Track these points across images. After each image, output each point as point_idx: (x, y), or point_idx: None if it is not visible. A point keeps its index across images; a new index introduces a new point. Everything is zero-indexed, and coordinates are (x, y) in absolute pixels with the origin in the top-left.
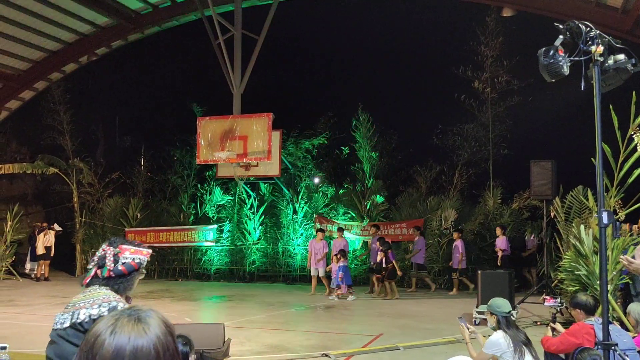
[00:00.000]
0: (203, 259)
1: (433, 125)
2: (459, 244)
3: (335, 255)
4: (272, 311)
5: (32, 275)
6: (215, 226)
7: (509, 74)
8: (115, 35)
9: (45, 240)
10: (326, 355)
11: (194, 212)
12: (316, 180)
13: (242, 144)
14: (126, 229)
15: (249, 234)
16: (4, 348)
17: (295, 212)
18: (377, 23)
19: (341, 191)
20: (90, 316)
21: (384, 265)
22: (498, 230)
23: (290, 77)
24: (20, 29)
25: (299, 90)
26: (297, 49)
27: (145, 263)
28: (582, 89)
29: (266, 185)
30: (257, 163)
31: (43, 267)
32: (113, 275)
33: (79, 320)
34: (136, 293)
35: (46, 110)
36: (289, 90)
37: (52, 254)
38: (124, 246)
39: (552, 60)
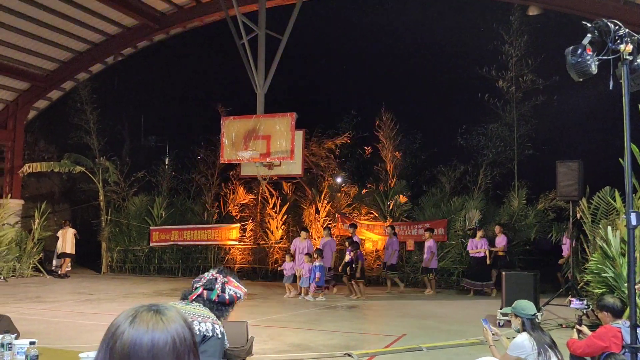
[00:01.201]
0: (226, 258)
1: (457, 125)
2: (431, 244)
3: (307, 254)
4: (295, 310)
5: (58, 272)
6: (238, 225)
7: (534, 72)
8: (140, 35)
9: (66, 238)
10: (349, 355)
11: (217, 210)
12: (339, 179)
13: (265, 144)
14: (151, 227)
15: (272, 233)
16: (33, 343)
17: (317, 211)
18: (401, 23)
19: (364, 191)
20: (200, 330)
21: (354, 265)
22: (497, 229)
23: (313, 76)
24: (48, 30)
25: (322, 90)
26: (320, 48)
27: (242, 299)
28: (611, 88)
29: (289, 184)
30: (280, 162)
31: (66, 263)
32: (217, 300)
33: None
34: (161, 290)
35: (73, 110)
36: (312, 89)
37: (70, 251)
38: (231, 278)
39: (580, 59)
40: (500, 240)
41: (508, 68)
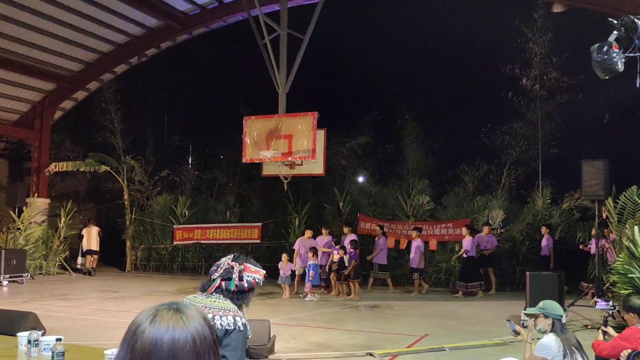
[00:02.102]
0: (249, 256)
1: (480, 123)
2: (419, 243)
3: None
4: (316, 309)
5: (83, 270)
6: (260, 224)
7: (559, 70)
8: (164, 36)
9: (91, 236)
10: (371, 355)
11: (239, 209)
12: (360, 179)
13: (287, 143)
14: (175, 226)
15: (294, 232)
16: (59, 340)
17: (339, 210)
18: (424, 21)
19: (386, 190)
20: (221, 325)
21: (345, 265)
22: (486, 229)
23: (335, 75)
24: (74, 31)
25: (344, 89)
26: (342, 46)
27: (261, 283)
28: (638, 85)
29: (310, 183)
30: (302, 162)
31: (91, 261)
32: (236, 290)
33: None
34: (184, 288)
35: (98, 110)
36: (334, 88)
37: (95, 248)
38: (247, 264)
39: (606, 56)
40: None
41: (532, 66)
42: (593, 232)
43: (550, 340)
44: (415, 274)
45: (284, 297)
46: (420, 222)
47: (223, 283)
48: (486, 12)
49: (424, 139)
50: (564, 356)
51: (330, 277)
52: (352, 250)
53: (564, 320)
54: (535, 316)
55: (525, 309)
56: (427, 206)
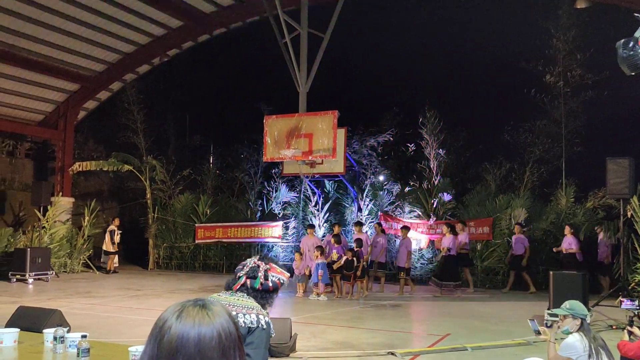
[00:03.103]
0: (269, 255)
1: (503, 121)
2: (407, 242)
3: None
4: (337, 308)
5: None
6: (281, 223)
7: (583, 67)
8: (185, 36)
9: (111, 237)
10: (392, 354)
11: (260, 208)
12: (381, 177)
13: (307, 142)
14: (196, 225)
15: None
16: (85, 336)
17: (360, 209)
18: (445, 17)
19: (407, 189)
20: (244, 323)
21: (355, 265)
22: (459, 226)
23: (356, 73)
24: (97, 32)
25: (365, 87)
26: (363, 44)
27: (286, 284)
28: None
29: (331, 182)
30: (322, 161)
31: (113, 260)
32: (261, 289)
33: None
34: (206, 286)
35: (121, 110)
36: (354, 87)
37: (112, 249)
38: (273, 265)
39: (632, 52)
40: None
41: (556, 63)
42: (599, 233)
43: (576, 340)
44: (402, 273)
45: (297, 296)
46: (442, 221)
47: (248, 281)
48: (509, 8)
49: (445, 137)
50: (590, 356)
51: (338, 279)
52: (357, 249)
53: (588, 320)
54: (562, 317)
55: (548, 309)
56: (449, 205)
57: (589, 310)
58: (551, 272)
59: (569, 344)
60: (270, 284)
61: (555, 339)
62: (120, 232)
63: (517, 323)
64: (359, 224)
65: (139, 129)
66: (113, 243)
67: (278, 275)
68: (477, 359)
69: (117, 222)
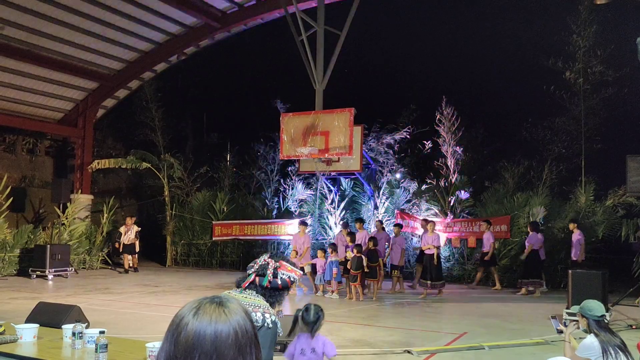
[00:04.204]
0: (285, 252)
1: (521, 118)
2: (401, 240)
3: (322, 249)
4: (354, 306)
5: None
6: (297, 220)
7: (603, 64)
8: (202, 34)
9: (126, 237)
10: (409, 352)
11: (276, 206)
12: (398, 175)
13: (323, 140)
14: (213, 222)
15: (330, 228)
16: (103, 332)
17: (376, 207)
18: (462, 14)
19: (424, 187)
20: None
21: (363, 264)
22: (429, 226)
23: (372, 70)
24: (115, 31)
25: (381, 84)
26: (379, 41)
27: (296, 282)
28: None
29: (347, 180)
30: (339, 158)
31: (130, 259)
32: (269, 286)
33: None
34: (223, 283)
35: (139, 108)
36: (370, 84)
37: (136, 249)
38: (283, 262)
39: None
40: (578, 238)
41: (576, 59)
42: (574, 230)
43: (593, 340)
44: (395, 271)
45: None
46: (459, 219)
47: (257, 279)
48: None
49: (463, 134)
50: (602, 355)
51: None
52: (373, 247)
53: (607, 319)
54: (579, 315)
55: (567, 308)
56: (466, 203)
57: (607, 309)
58: (570, 271)
59: (586, 345)
60: (280, 282)
61: (569, 340)
62: (139, 229)
63: (536, 322)
64: (380, 222)
65: (157, 126)
66: (118, 242)
67: (288, 273)
68: (495, 358)
69: (128, 221)
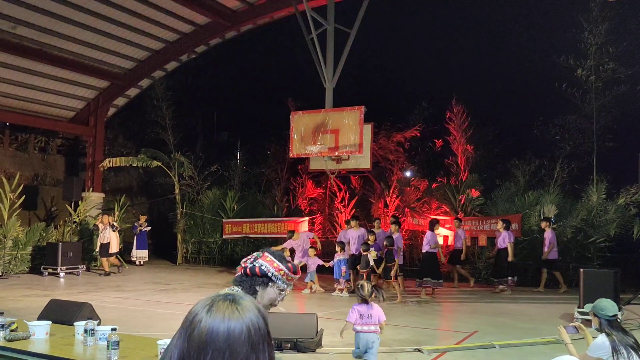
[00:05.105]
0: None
1: (532, 116)
2: (398, 238)
3: (312, 247)
4: None
5: (137, 264)
6: (307, 218)
7: (616, 61)
8: (213, 33)
9: (102, 236)
10: (419, 350)
11: (286, 204)
12: (408, 173)
13: (333, 138)
14: (224, 220)
15: (340, 226)
16: (115, 329)
17: (386, 205)
18: (473, 11)
19: (434, 185)
20: None
21: (371, 264)
22: (544, 224)
23: (383, 68)
24: (126, 30)
25: (391, 82)
26: (389, 39)
27: (273, 276)
28: None
29: (357, 178)
30: (349, 156)
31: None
32: (243, 273)
33: None
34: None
35: (150, 106)
36: (381, 82)
37: (112, 250)
38: (266, 254)
39: None
40: (549, 236)
41: (587, 57)
42: (545, 228)
43: (604, 340)
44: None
45: (310, 293)
46: (469, 217)
47: (241, 271)
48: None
49: (473, 133)
50: (612, 354)
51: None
52: (389, 247)
53: (620, 319)
54: (592, 314)
55: (579, 307)
56: (477, 201)
57: (620, 308)
58: (581, 270)
59: (597, 345)
60: (249, 268)
61: (571, 341)
62: (150, 227)
63: (547, 321)
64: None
65: (167, 125)
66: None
67: (266, 263)
68: (505, 357)
69: (105, 219)
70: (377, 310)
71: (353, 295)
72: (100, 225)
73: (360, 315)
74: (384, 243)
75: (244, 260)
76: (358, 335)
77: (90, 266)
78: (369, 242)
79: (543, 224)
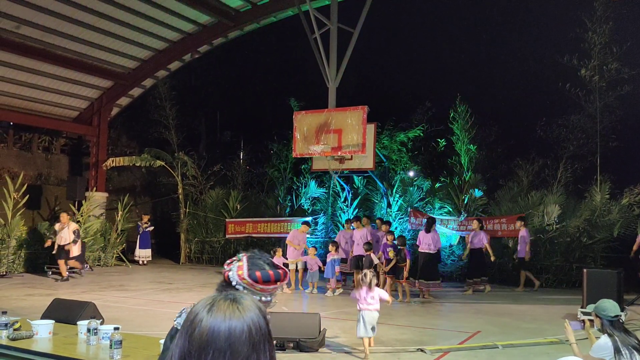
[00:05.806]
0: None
1: (536, 116)
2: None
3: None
4: None
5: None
6: (310, 218)
7: (619, 61)
8: (216, 33)
9: (60, 237)
10: (422, 350)
11: (289, 204)
12: (411, 173)
13: (336, 138)
14: (227, 220)
15: (343, 226)
16: (117, 329)
17: (389, 205)
18: (477, 11)
19: (437, 185)
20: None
21: (374, 263)
22: (519, 223)
23: (386, 68)
24: (130, 30)
25: (395, 82)
26: (393, 39)
27: (238, 285)
28: None
29: (360, 178)
30: (352, 156)
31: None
32: (223, 279)
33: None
34: None
35: (153, 106)
36: (384, 82)
37: (72, 254)
38: (245, 258)
39: None
40: (523, 235)
41: (591, 56)
42: (521, 228)
43: (607, 340)
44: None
45: (311, 293)
46: (472, 217)
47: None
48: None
49: (476, 132)
50: (615, 355)
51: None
52: (402, 247)
53: (623, 319)
54: (594, 315)
55: (582, 307)
56: (480, 201)
57: (622, 309)
58: (585, 270)
59: (600, 345)
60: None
61: (575, 341)
62: (153, 227)
63: (550, 321)
64: (358, 218)
65: (170, 125)
66: (52, 240)
67: (234, 269)
68: (508, 357)
69: (63, 217)
70: (378, 293)
71: (345, 294)
72: (57, 225)
73: (364, 297)
74: (396, 243)
75: (227, 262)
76: (363, 313)
77: (45, 269)
78: (387, 241)
79: (518, 223)
